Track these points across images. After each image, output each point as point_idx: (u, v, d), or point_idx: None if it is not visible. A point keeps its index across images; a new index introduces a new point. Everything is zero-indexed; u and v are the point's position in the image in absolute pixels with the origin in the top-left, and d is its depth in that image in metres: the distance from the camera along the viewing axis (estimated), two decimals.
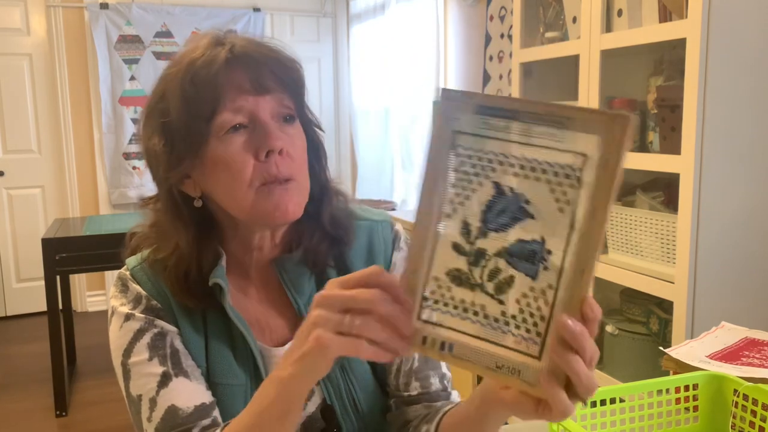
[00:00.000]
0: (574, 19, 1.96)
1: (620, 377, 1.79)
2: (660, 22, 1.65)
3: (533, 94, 2.21)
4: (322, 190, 0.85)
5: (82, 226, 3.20)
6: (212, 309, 0.81)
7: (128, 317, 0.79)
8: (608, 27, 1.80)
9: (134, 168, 4.38)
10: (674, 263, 1.60)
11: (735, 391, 0.90)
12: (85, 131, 4.35)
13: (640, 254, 1.74)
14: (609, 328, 1.88)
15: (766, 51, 1.53)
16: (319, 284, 0.86)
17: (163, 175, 0.78)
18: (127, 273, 0.82)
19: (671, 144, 1.61)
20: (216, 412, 0.77)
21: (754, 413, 0.87)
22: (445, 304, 0.55)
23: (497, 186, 0.52)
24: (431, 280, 0.55)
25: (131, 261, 0.84)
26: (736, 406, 0.89)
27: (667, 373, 1.05)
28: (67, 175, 4.33)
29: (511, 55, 2.48)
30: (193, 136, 0.75)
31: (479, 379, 0.62)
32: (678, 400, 0.92)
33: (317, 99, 4.81)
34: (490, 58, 3.13)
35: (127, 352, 0.78)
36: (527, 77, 2.23)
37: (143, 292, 0.80)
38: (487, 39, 3.14)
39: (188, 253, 0.79)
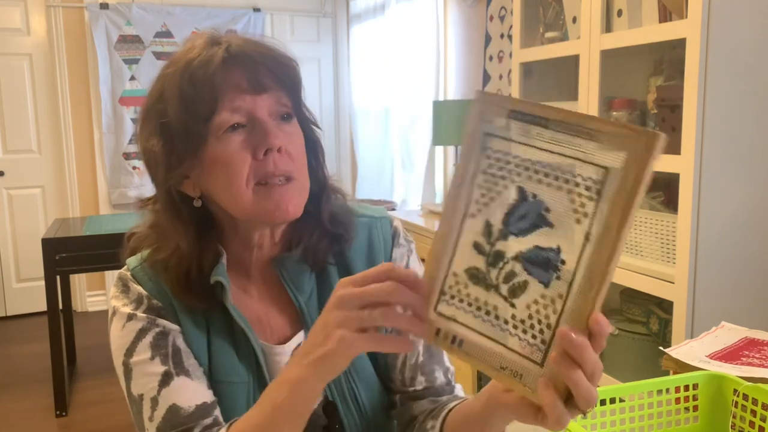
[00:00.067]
0: (574, 19, 1.96)
1: (620, 377, 1.79)
2: (660, 22, 1.65)
3: (533, 94, 2.21)
4: (320, 188, 0.86)
5: (82, 226, 3.20)
6: (214, 308, 0.81)
7: (130, 317, 0.79)
8: (608, 27, 1.80)
9: (134, 168, 4.38)
10: (674, 263, 1.60)
11: (735, 390, 0.90)
12: (85, 131, 4.35)
13: (640, 254, 1.74)
14: (609, 328, 1.88)
15: (766, 51, 1.53)
16: (320, 282, 0.86)
17: (163, 175, 0.78)
18: (128, 273, 0.82)
19: (671, 144, 1.61)
20: (217, 411, 0.78)
21: (754, 413, 0.87)
22: (461, 300, 0.56)
23: (521, 191, 0.53)
24: (451, 275, 0.57)
25: (132, 261, 0.84)
26: (736, 406, 0.89)
27: (667, 373, 1.05)
28: (67, 175, 4.33)
29: (511, 55, 2.48)
30: (192, 136, 0.75)
31: (479, 374, 0.64)
32: (678, 400, 0.92)
33: (317, 99, 4.81)
34: (490, 58, 3.13)
35: (129, 352, 0.78)
36: (527, 77, 2.23)
37: (144, 292, 0.80)
38: (487, 39, 3.14)
39: (188, 253, 0.79)
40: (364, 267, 0.87)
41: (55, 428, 2.84)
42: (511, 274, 0.54)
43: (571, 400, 0.52)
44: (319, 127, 0.87)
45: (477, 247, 0.55)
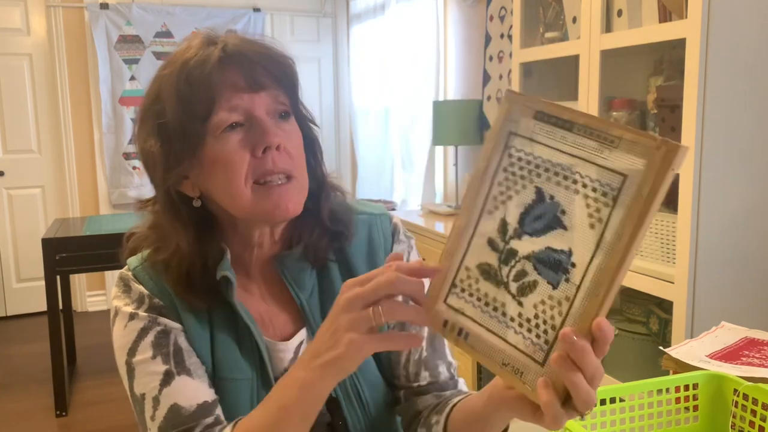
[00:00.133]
0: (574, 19, 1.96)
1: (620, 377, 1.79)
2: (660, 22, 1.65)
3: (533, 94, 2.20)
4: (319, 186, 0.86)
5: (82, 226, 3.20)
6: (216, 306, 0.81)
7: (132, 317, 0.79)
8: (608, 27, 1.80)
9: (134, 168, 4.38)
10: (674, 263, 1.60)
11: (735, 390, 0.90)
12: (85, 131, 4.35)
13: (640, 254, 1.73)
14: (612, 335, 1.88)
15: (766, 51, 1.53)
16: (321, 279, 0.87)
17: (161, 176, 0.78)
18: (129, 273, 0.82)
19: None
20: (218, 410, 0.78)
21: (754, 413, 0.87)
22: (470, 294, 0.57)
23: (539, 191, 0.54)
24: (463, 269, 0.58)
25: (132, 261, 0.84)
26: (736, 406, 0.89)
27: (666, 373, 1.05)
28: (67, 175, 4.33)
29: (511, 55, 2.48)
30: (190, 136, 0.75)
31: (479, 369, 0.65)
32: (678, 400, 0.92)
33: (317, 99, 4.81)
34: (490, 58, 3.13)
35: (132, 351, 0.78)
36: (527, 77, 2.24)
37: (146, 291, 0.80)
38: (487, 39, 3.14)
39: (189, 253, 0.79)
40: (364, 264, 0.88)
41: (55, 428, 2.84)
42: (522, 273, 0.54)
43: (569, 401, 0.52)
44: (316, 125, 0.88)
45: (491, 243, 0.56)
